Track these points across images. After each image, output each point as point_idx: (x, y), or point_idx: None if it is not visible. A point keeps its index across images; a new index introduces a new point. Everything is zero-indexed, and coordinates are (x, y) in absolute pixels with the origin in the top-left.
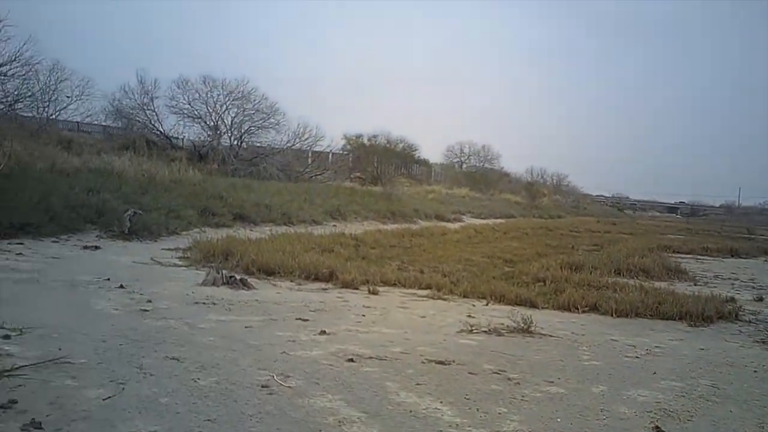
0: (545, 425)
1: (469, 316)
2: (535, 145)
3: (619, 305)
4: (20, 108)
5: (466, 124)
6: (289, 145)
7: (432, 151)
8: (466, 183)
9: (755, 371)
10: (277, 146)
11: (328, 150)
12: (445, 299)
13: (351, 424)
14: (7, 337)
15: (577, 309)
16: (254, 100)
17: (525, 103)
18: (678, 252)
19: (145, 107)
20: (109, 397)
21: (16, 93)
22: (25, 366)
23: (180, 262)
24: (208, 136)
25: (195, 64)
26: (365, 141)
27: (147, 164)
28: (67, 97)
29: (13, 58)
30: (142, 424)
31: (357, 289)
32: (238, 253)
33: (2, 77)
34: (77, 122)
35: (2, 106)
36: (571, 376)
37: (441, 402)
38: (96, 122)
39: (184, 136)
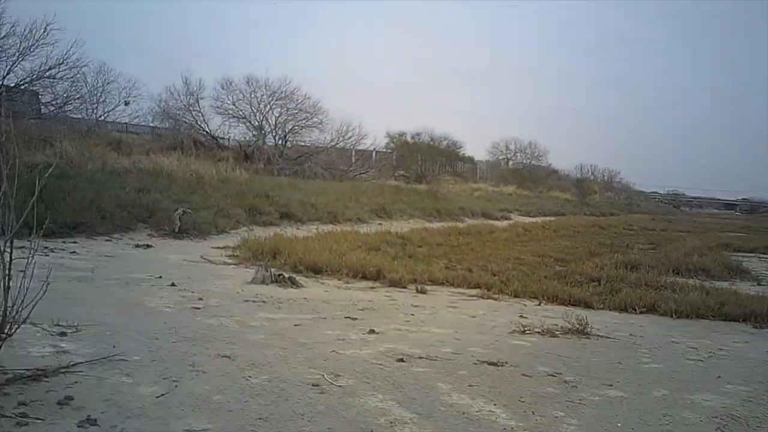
0: (605, 430)
1: (521, 316)
2: (584, 141)
3: (679, 306)
4: (70, 110)
5: (512, 120)
6: (332, 144)
7: (477, 148)
8: (512, 180)
9: None
10: (321, 145)
11: (371, 148)
12: (495, 299)
13: (403, 425)
14: (63, 334)
15: (635, 310)
16: (297, 100)
17: (573, 98)
18: (739, 250)
19: (191, 108)
20: (163, 394)
21: (65, 95)
22: (81, 363)
23: (229, 260)
24: (253, 135)
25: (238, 65)
26: (408, 139)
27: (195, 164)
28: (126, 103)
29: (61, 61)
30: (195, 421)
31: (405, 288)
32: (285, 251)
33: (51, 80)
34: (125, 123)
35: (52, 108)
36: (630, 379)
37: (495, 404)
38: (143, 123)
39: (230, 136)
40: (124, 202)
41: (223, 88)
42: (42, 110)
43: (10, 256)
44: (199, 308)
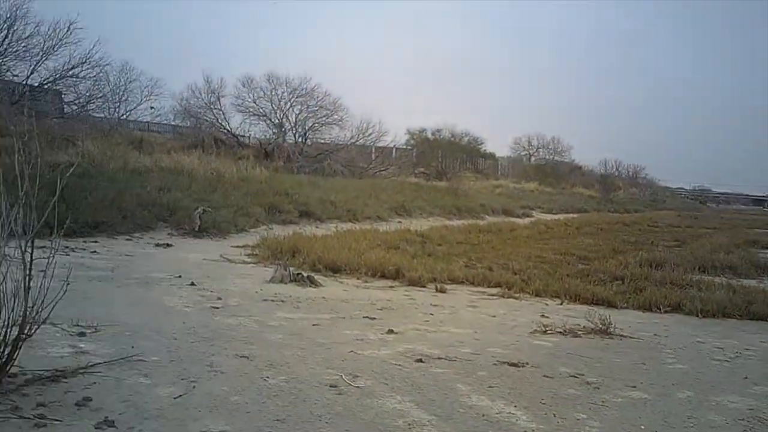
0: None
1: (543, 315)
2: (610, 137)
3: (705, 305)
4: (92, 109)
5: (536, 115)
6: (352, 141)
7: (499, 144)
8: (535, 177)
9: None
10: (341, 142)
11: (391, 145)
12: (516, 298)
13: (421, 427)
14: (82, 334)
15: (659, 309)
16: (317, 97)
17: (597, 93)
18: (767, 247)
19: (212, 106)
20: (181, 395)
21: (87, 94)
22: (100, 363)
23: (248, 259)
24: (273, 133)
25: (259, 63)
26: (429, 135)
27: (215, 163)
28: (152, 107)
29: (84, 60)
30: (212, 423)
31: (424, 287)
32: (304, 250)
33: (74, 79)
34: (147, 122)
35: (75, 107)
36: (654, 381)
37: (515, 406)
38: (165, 122)
39: (250, 134)
40: (145, 201)
41: (244, 86)
42: (65, 109)
43: (31, 257)
44: (218, 308)
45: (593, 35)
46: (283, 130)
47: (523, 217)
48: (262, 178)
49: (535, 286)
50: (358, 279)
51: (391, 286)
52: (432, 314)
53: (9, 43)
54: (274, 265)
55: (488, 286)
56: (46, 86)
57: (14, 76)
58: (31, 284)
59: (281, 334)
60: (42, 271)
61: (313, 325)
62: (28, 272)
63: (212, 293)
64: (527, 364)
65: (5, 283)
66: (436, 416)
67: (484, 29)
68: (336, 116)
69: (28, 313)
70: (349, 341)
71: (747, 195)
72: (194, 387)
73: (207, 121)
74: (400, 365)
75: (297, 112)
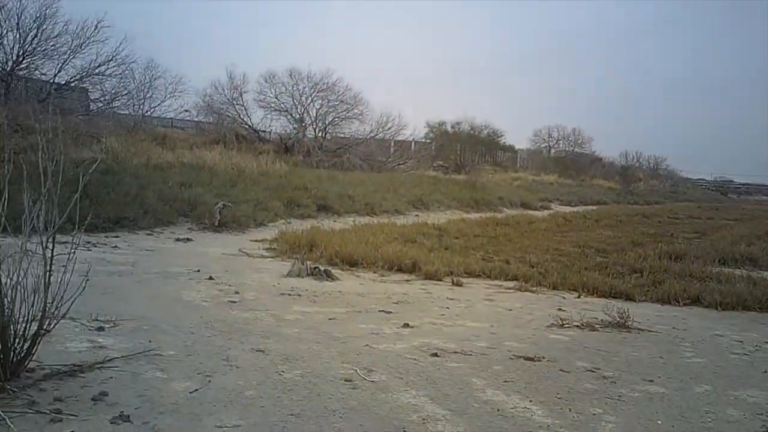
0: (644, 427)
1: (560, 309)
2: (631, 128)
3: (725, 297)
4: (117, 106)
5: (555, 108)
6: (372, 135)
7: (518, 136)
8: (554, 169)
9: None
10: (360, 136)
11: (410, 139)
12: (533, 291)
13: (436, 422)
14: (101, 329)
15: (678, 302)
16: (338, 92)
17: (617, 84)
18: None
19: (234, 102)
20: (196, 389)
21: (113, 92)
22: (117, 358)
23: (267, 254)
24: (294, 128)
25: (282, 58)
26: (448, 128)
27: (236, 158)
28: (186, 111)
29: (110, 58)
30: (227, 418)
31: (440, 280)
32: (322, 244)
33: (100, 77)
34: (171, 118)
35: (100, 104)
36: (672, 375)
37: (530, 401)
38: (188, 118)
39: (271, 129)
40: (167, 197)
41: (266, 81)
42: (91, 107)
43: (52, 252)
44: (235, 302)
45: (616, 27)
46: (304, 124)
47: (541, 209)
48: (281, 172)
49: (552, 279)
50: (374, 273)
51: (408, 280)
52: (448, 308)
53: (38, 42)
54: (292, 259)
55: (505, 280)
56: (72, 84)
57: (42, 74)
58: (51, 279)
59: (297, 328)
60: (63, 266)
61: (329, 319)
62: (48, 268)
63: (230, 287)
64: (543, 358)
65: (26, 279)
66: (451, 411)
67: (504, 21)
68: (356, 110)
69: (47, 308)
70: (364, 335)
71: None
72: (210, 381)
73: (229, 116)
74: (415, 359)
75: (318, 107)
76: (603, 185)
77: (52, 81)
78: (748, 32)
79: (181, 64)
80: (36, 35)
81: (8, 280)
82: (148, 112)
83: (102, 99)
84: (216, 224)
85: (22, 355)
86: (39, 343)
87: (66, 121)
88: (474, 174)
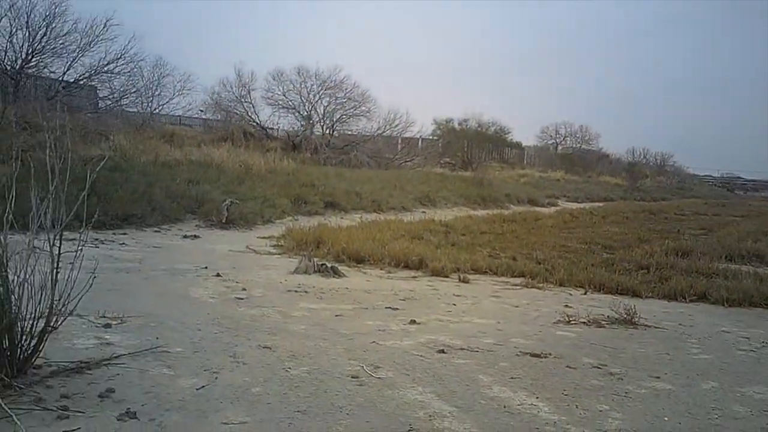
0: (651, 424)
1: (566, 305)
2: (638, 124)
3: (731, 294)
4: (126, 104)
5: (563, 104)
6: (379, 132)
7: (525, 133)
8: (561, 165)
9: None
10: (367, 134)
11: (417, 136)
12: (539, 288)
13: (442, 418)
14: (108, 325)
15: (685, 298)
16: (346, 89)
17: (625, 80)
18: None
19: (242, 100)
20: (203, 386)
21: (122, 89)
22: (124, 355)
23: (274, 250)
24: (302, 125)
25: (290, 56)
26: (455, 125)
27: (244, 155)
28: (201, 110)
29: (119, 56)
30: (233, 414)
31: (447, 277)
32: (329, 240)
33: (109, 75)
34: (179, 116)
35: (109, 102)
36: (678, 371)
37: (537, 397)
38: (196, 116)
39: (279, 127)
40: (174, 194)
41: (274, 79)
42: (99, 104)
43: (59, 249)
44: (242, 298)
45: (624, 22)
46: (311, 122)
47: (548, 206)
48: (289, 169)
49: (559, 275)
50: (381, 269)
51: (414, 277)
52: (455, 304)
53: (47, 41)
54: (299, 256)
55: (511, 276)
56: (81, 82)
57: (51, 72)
58: (58, 276)
59: (304, 325)
60: (71, 263)
61: (336, 315)
62: (55, 265)
63: (237, 284)
64: (550, 354)
65: (33, 276)
66: (457, 408)
67: (513, 18)
68: (363, 108)
69: (54, 305)
70: (371, 332)
71: None
72: (216, 378)
73: (237, 114)
74: (421, 356)
75: (325, 104)
76: (610, 182)
77: (60, 79)
78: (757, 27)
79: (189, 62)
80: (45, 33)
81: (16, 277)
82: (157, 110)
83: (111, 97)
84: (223, 221)
85: (29, 352)
86: (46, 340)
87: (75, 119)
88: (481, 171)
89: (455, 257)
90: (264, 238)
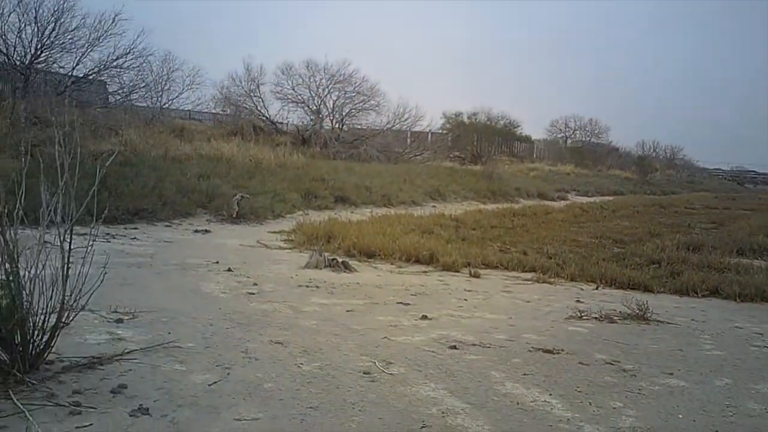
0: (665, 421)
1: (578, 301)
2: (648, 118)
3: (744, 288)
4: (135, 98)
5: (572, 97)
6: (388, 126)
7: (535, 126)
8: (571, 159)
9: None
10: (377, 128)
11: (427, 130)
12: (551, 283)
13: (455, 415)
14: (120, 320)
15: (697, 293)
16: (355, 83)
17: (637, 74)
18: None
19: (251, 94)
20: (215, 382)
21: (131, 84)
22: (136, 350)
23: (284, 245)
24: (311, 120)
25: (298, 50)
26: (465, 119)
27: (254, 149)
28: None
29: (128, 50)
30: (246, 410)
31: (458, 272)
32: (339, 235)
33: (118, 69)
34: (189, 110)
35: (119, 97)
36: (692, 368)
37: (550, 394)
38: (206, 110)
39: (288, 121)
40: (185, 188)
41: (283, 73)
42: (109, 99)
43: (69, 244)
44: (253, 293)
45: (636, 14)
46: (321, 116)
47: (558, 200)
48: (299, 164)
49: (570, 270)
50: (392, 264)
51: (425, 272)
52: (466, 300)
53: (56, 36)
54: (310, 250)
55: (522, 271)
56: (90, 77)
57: (60, 68)
58: (70, 272)
59: (315, 320)
60: (82, 258)
61: (347, 311)
62: (66, 260)
63: (248, 279)
64: (562, 350)
65: (44, 271)
66: (470, 404)
67: (522, 11)
68: (373, 102)
69: (66, 300)
70: (382, 327)
71: None
72: (228, 374)
73: (246, 108)
74: (433, 352)
75: (334, 99)
76: (620, 175)
77: (70, 74)
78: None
79: (198, 57)
80: (54, 29)
81: (27, 272)
82: (166, 105)
83: (120, 92)
84: (234, 216)
85: (41, 347)
86: (58, 335)
87: (84, 114)
88: (490, 165)
89: (466, 252)
90: (274, 232)
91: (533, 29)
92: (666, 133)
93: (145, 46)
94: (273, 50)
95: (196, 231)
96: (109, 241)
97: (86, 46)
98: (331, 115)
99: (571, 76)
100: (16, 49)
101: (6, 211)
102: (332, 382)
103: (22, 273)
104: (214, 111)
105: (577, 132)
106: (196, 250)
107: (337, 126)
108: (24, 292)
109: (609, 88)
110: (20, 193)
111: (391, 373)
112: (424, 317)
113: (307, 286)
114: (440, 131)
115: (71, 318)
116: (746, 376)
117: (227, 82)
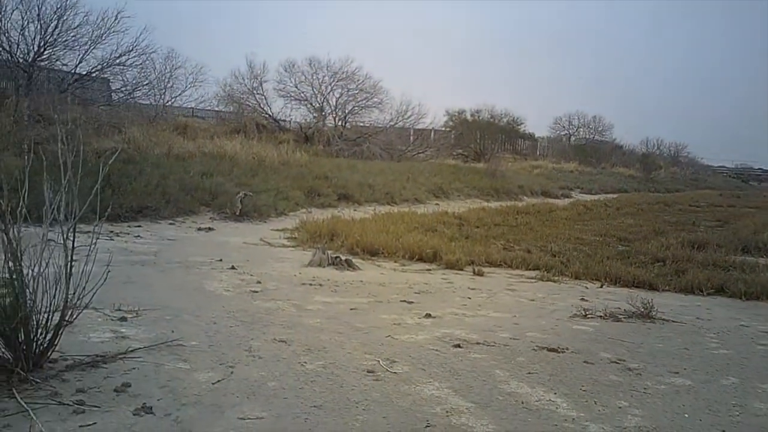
0: (671, 421)
1: (583, 299)
2: (652, 115)
3: (749, 287)
4: (138, 96)
5: (576, 94)
6: (391, 123)
7: (538, 124)
8: (574, 157)
9: None
10: (380, 125)
11: (430, 127)
12: (555, 281)
13: (459, 414)
14: (123, 319)
15: (702, 291)
16: (358, 80)
17: (640, 71)
18: None
19: (254, 91)
20: (219, 380)
21: (134, 82)
22: (140, 348)
23: (288, 243)
24: (314, 117)
25: (301, 47)
26: (468, 116)
27: (257, 147)
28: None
29: (131, 48)
30: (249, 409)
31: (461, 270)
32: (342, 233)
33: (122, 67)
34: (192, 108)
35: (122, 95)
36: (697, 367)
37: (555, 393)
38: (209, 108)
39: (291, 119)
40: (188, 186)
41: (285, 71)
42: (112, 97)
43: (73, 243)
44: (257, 291)
45: (638, 13)
46: (324, 113)
47: (562, 197)
48: (302, 161)
49: (574, 268)
50: (395, 262)
51: (429, 270)
52: (470, 298)
53: (59, 33)
54: (313, 248)
55: (526, 269)
56: (93, 74)
57: (63, 65)
58: (73, 270)
59: (319, 319)
60: (86, 256)
61: (351, 309)
62: (70, 258)
63: (252, 277)
64: (567, 349)
65: (48, 269)
66: (475, 403)
67: (523, 9)
68: (376, 99)
69: (69, 298)
70: (386, 326)
71: None
72: (232, 372)
73: (249, 106)
74: (437, 350)
75: (337, 96)
76: (624, 173)
77: (73, 71)
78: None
79: (201, 54)
80: (57, 26)
81: (30, 270)
82: (169, 102)
83: (123, 89)
84: (237, 213)
85: (45, 345)
86: (61, 333)
87: (87, 112)
88: (494, 162)
89: (469, 250)
90: (278, 230)
91: (534, 28)
92: (667, 132)
93: (148, 44)
94: (274, 50)
95: (200, 229)
96: (113, 239)
97: (89, 43)
98: (334, 112)
99: (572, 75)
100: (19, 46)
101: (9, 208)
102: (336, 381)
103: (25, 271)
104: (217, 108)
105: (581, 129)
106: (199, 248)
107: (340, 123)
108: (27, 290)
109: (610, 87)
110: (23, 190)
111: (395, 372)
112: (428, 315)
113: (311, 284)
114: (443, 129)
115: (75, 316)
116: (753, 375)
117: (230, 80)
